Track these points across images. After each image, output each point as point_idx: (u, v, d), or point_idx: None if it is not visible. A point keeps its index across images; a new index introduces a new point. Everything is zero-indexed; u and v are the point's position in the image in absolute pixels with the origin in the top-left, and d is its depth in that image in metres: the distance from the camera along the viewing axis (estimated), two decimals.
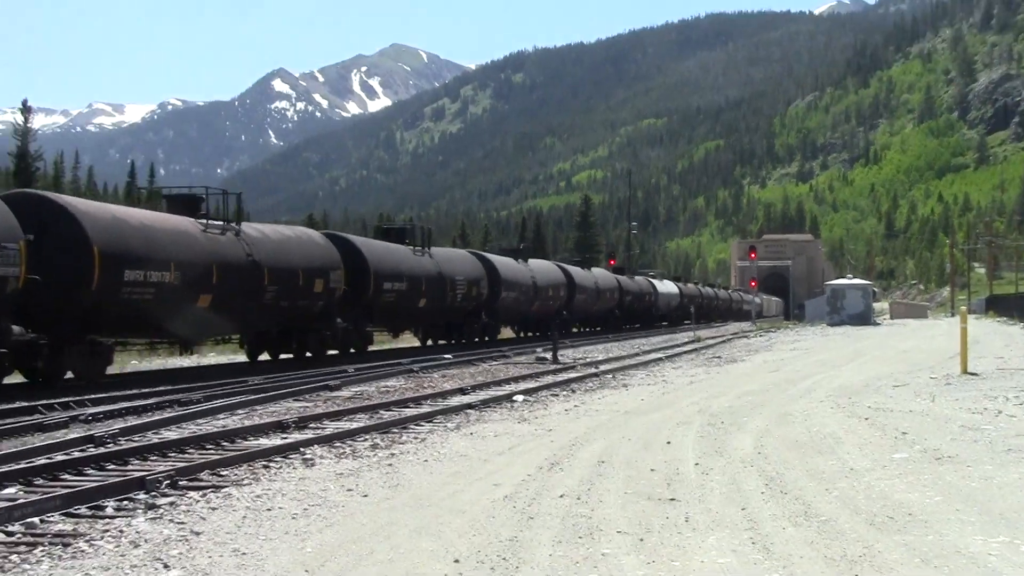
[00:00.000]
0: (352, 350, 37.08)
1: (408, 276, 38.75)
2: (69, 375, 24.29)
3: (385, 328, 43.23)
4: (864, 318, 79.06)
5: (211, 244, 27.99)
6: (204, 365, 34.27)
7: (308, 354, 33.95)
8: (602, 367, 31.00)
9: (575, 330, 64.98)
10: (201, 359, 38.40)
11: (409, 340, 50.68)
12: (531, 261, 56.11)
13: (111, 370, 26.50)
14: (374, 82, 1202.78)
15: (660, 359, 35.94)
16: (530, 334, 59.75)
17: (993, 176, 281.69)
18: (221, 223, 29.43)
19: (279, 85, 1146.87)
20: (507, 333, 59.82)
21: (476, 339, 48.19)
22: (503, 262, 50.01)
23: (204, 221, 28.75)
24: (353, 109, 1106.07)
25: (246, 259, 29.20)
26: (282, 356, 34.00)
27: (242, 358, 35.30)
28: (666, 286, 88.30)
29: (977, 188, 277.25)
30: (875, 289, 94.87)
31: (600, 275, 68.49)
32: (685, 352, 40.77)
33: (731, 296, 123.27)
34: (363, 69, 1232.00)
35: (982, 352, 34.23)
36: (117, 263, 23.87)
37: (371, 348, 40.30)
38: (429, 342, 47.73)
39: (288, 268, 31.16)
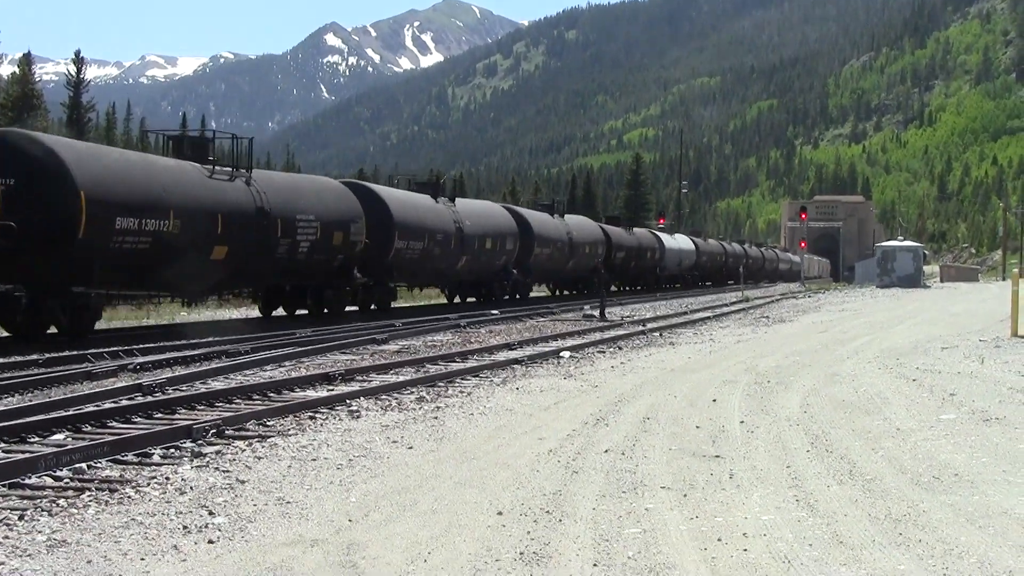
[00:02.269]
0: (53, 329, 23.74)
1: (181, 210, 24.90)
2: None
3: (129, 289, 26.96)
4: (914, 281, 78.37)
5: None
6: None
7: None
8: (649, 325, 30.95)
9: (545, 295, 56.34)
10: None
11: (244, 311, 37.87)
12: (459, 201, 42.85)
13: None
14: (426, 37, 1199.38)
15: (708, 318, 35.84)
16: (470, 299, 46.40)
17: None
18: None
19: (331, 39, 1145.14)
20: (421, 299, 50.47)
21: (349, 309, 34.38)
22: (398, 198, 36.95)
23: None
24: (405, 64, 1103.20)
25: None
26: None
27: None
28: (678, 242, 76.39)
29: None
30: (926, 252, 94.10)
31: (577, 224, 55.33)
32: (733, 312, 40.63)
33: (764, 254, 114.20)
34: (416, 24, 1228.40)
35: None
36: None
37: (120, 325, 29.88)
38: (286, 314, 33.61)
39: None
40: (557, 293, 58.17)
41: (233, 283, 30.60)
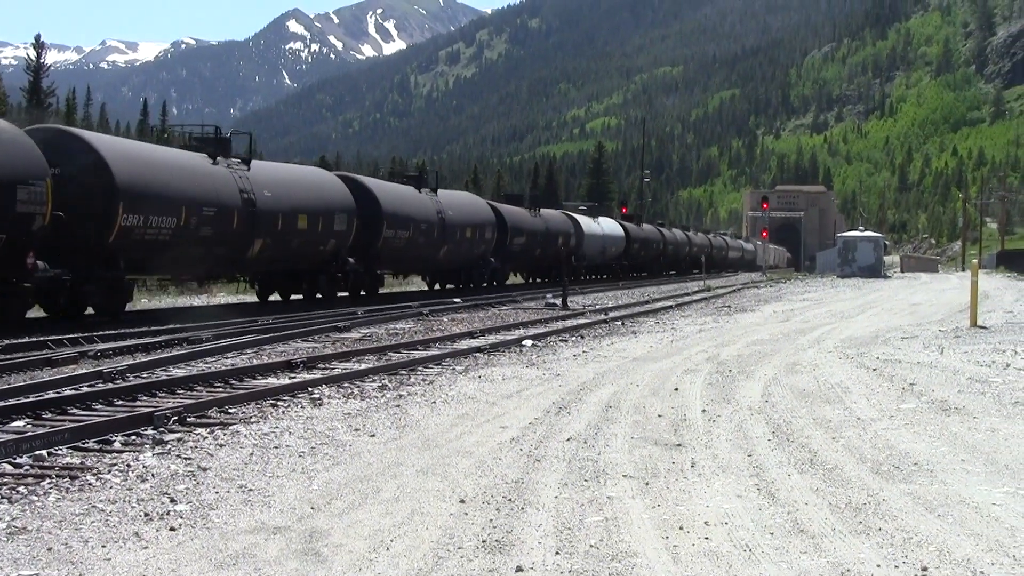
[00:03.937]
0: None
1: None
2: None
3: None
4: (875, 271, 78.85)
5: None
6: None
7: None
8: (612, 314, 30.98)
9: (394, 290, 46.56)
10: None
11: None
12: (259, 165, 31.78)
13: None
14: (389, 25, 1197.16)
15: (670, 307, 35.91)
16: (295, 297, 35.59)
17: (1008, 131, 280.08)
18: None
19: (294, 26, 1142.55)
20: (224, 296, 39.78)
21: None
22: (127, 154, 25.54)
23: None
24: (368, 52, 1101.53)
25: None
26: None
27: None
28: (601, 226, 65.79)
29: (992, 143, 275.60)
30: (886, 242, 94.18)
31: (455, 202, 44.69)
32: (695, 301, 40.73)
33: (711, 242, 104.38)
34: (378, 11, 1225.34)
35: (992, 306, 34.18)
36: None
37: None
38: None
39: None
40: (437, 287, 48.07)
41: None
